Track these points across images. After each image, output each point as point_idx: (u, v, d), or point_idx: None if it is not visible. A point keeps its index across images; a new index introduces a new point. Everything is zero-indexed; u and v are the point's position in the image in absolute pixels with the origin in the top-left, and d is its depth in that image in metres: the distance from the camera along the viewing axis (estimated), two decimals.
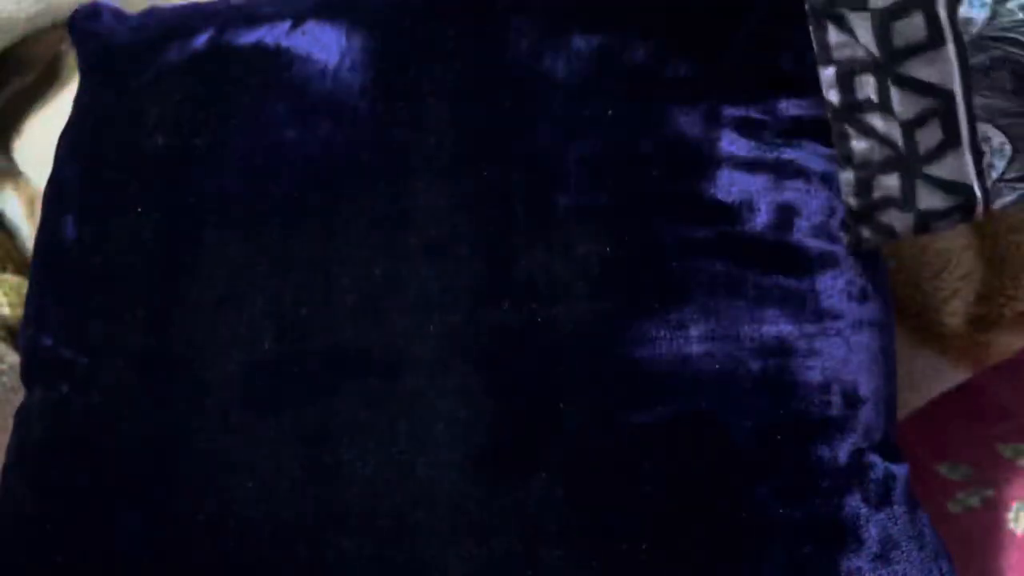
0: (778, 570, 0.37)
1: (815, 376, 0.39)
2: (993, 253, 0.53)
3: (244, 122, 0.42)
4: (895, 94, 0.36)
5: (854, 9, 0.36)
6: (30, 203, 0.63)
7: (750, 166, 0.40)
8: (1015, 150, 0.36)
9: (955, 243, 0.53)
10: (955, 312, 0.54)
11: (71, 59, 0.63)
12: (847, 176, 0.38)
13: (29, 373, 0.45)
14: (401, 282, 0.39)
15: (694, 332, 0.38)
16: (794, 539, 0.37)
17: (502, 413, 0.37)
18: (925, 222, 0.38)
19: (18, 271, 0.60)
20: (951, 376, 0.56)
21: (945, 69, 0.36)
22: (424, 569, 0.36)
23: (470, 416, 0.37)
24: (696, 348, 0.38)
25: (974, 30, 0.35)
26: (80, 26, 0.50)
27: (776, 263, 0.40)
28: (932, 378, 0.56)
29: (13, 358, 0.54)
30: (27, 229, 0.63)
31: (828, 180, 0.42)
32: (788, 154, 0.41)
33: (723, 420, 0.38)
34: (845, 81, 0.38)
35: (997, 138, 0.36)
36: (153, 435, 0.40)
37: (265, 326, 0.39)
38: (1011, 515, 0.57)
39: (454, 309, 0.38)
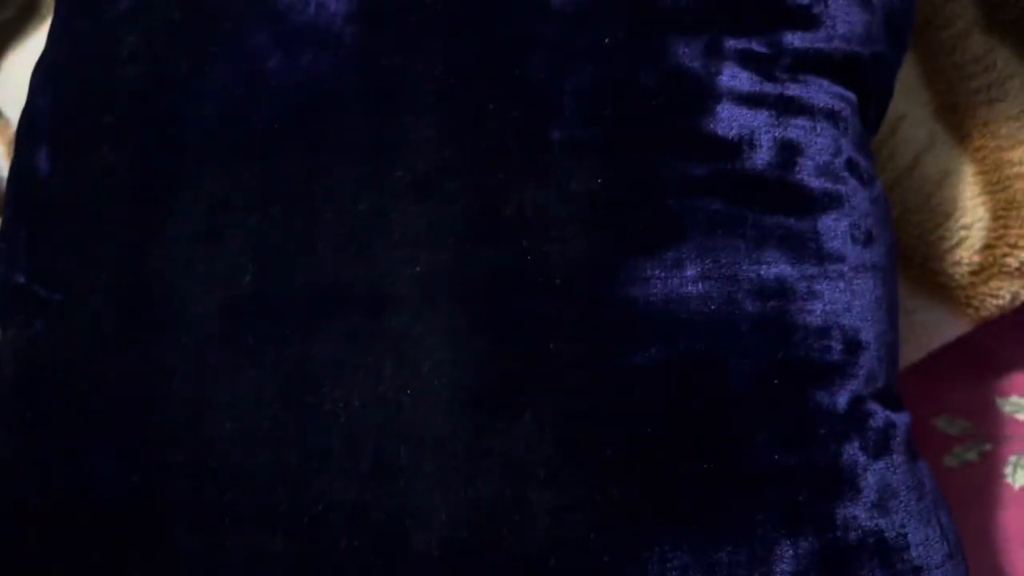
0: (773, 517, 0.36)
1: (815, 319, 0.37)
2: (999, 201, 0.52)
3: (223, 51, 0.41)
4: None
5: None
6: (10, 143, 0.61)
7: (752, 101, 0.39)
8: None
9: (961, 191, 0.52)
10: (959, 262, 0.53)
11: None
12: None
13: (2, 312, 0.43)
14: (387, 217, 0.37)
15: (690, 272, 0.37)
16: (790, 486, 0.36)
17: (490, 352, 0.36)
18: None
19: None
20: (952, 329, 0.55)
21: None
22: (409, 511, 0.35)
23: (457, 355, 0.36)
24: (692, 288, 0.37)
25: None
26: None
27: (777, 202, 0.38)
28: (932, 331, 0.55)
29: None
30: (7, 170, 0.61)
31: (833, 118, 0.40)
32: (792, 90, 0.39)
33: (719, 362, 0.36)
34: None
35: None
36: (128, 373, 0.38)
37: (245, 262, 0.38)
38: (1008, 469, 0.57)
39: (442, 245, 0.37)
